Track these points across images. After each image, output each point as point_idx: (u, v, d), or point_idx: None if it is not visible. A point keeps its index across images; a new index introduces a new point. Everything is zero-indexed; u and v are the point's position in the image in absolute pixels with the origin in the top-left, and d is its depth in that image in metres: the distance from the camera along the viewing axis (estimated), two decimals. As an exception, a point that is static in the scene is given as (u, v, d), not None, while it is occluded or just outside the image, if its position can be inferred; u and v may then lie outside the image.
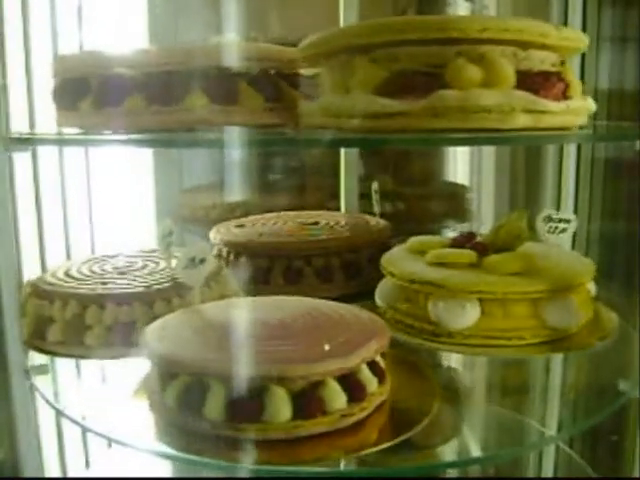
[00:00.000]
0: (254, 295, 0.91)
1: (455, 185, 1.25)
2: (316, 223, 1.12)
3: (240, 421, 0.63)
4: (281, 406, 0.63)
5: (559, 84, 0.58)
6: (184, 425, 0.66)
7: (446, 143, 0.69)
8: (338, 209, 1.21)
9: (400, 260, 0.91)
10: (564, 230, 0.89)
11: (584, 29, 0.92)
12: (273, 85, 0.71)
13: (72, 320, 0.82)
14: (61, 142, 0.84)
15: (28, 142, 0.77)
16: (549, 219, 0.89)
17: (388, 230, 1.09)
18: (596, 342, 0.80)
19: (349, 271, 1.02)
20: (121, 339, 0.81)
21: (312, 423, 0.64)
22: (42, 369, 0.81)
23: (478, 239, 0.92)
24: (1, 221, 0.77)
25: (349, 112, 0.59)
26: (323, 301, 0.83)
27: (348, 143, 0.64)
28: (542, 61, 0.60)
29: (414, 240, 0.96)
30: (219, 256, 1.05)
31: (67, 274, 0.90)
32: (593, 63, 0.84)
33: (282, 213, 1.19)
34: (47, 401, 0.73)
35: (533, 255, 0.86)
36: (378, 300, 0.92)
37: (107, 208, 1.11)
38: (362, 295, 0.99)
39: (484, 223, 1.13)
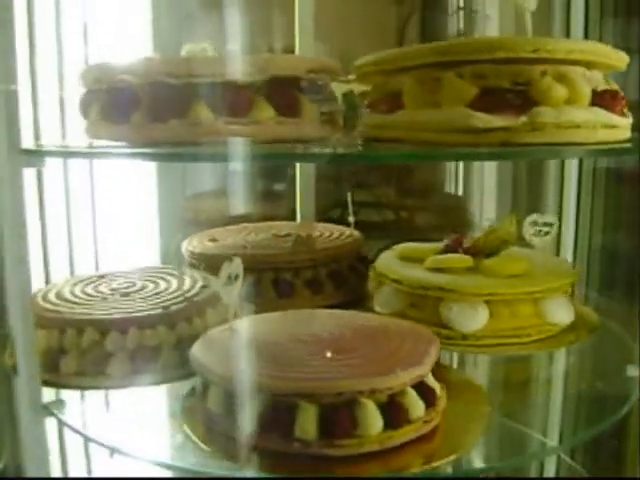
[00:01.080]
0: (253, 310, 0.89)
1: (452, 197, 1.29)
2: (288, 235, 1.12)
3: (336, 437, 0.62)
4: (373, 418, 0.63)
5: (622, 101, 0.64)
6: (269, 447, 0.63)
7: (538, 155, 0.72)
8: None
9: (399, 267, 0.93)
10: (548, 233, 0.96)
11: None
12: (325, 96, 0.71)
13: (90, 349, 0.76)
14: (70, 155, 0.77)
15: (43, 155, 0.71)
16: (534, 223, 0.96)
17: (362, 240, 1.11)
18: (590, 334, 0.88)
19: (336, 281, 1.03)
20: (146, 365, 0.76)
21: (401, 432, 0.64)
22: (59, 404, 0.74)
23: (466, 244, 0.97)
24: (16, 245, 0.70)
25: (442, 126, 0.61)
26: (350, 312, 0.84)
27: (445, 157, 0.65)
28: (598, 80, 0.65)
29: (404, 247, 0.99)
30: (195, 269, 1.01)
31: (62, 298, 0.83)
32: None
33: (248, 224, 1.17)
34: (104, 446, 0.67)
35: (526, 258, 0.92)
36: (378, 308, 0.94)
37: (110, 219, 1.03)
38: (350, 303, 1.01)
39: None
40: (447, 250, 0.96)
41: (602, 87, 0.65)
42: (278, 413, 0.63)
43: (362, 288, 1.06)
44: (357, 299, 1.03)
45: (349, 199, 1.09)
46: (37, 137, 0.85)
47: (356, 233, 1.12)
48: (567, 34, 0.96)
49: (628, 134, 0.66)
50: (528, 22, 0.63)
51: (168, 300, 0.82)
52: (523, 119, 0.59)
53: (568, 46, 0.60)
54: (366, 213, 1.20)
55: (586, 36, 0.96)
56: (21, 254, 0.71)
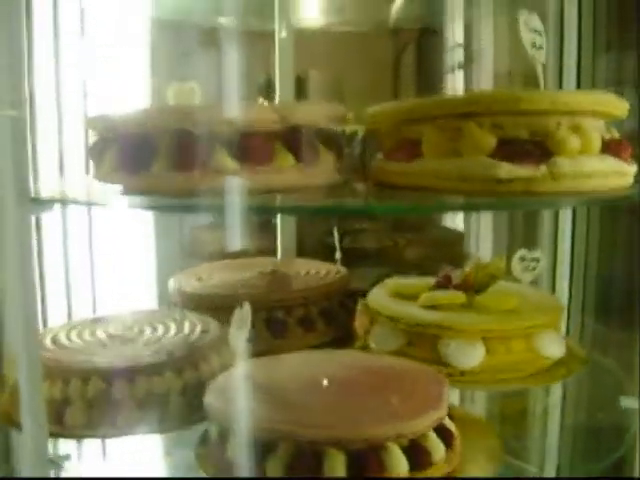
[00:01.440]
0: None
1: (448, 230, 1.31)
2: (274, 272, 1.12)
3: (364, 483, 0.62)
4: (400, 462, 0.63)
5: (629, 149, 0.67)
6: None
7: (556, 205, 0.75)
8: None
9: (393, 304, 0.94)
10: (534, 268, 1.00)
11: (579, 75, 1.03)
12: (339, 143, 0.71)
13: (95, 399, 0.74)
14: (81, 203, 0.75)
15: (55, 203, 0.69)
16: (523, 259, 0.99)
17: (349, 276, 1.12)
18: (581, 366, 0.91)
19: (327, 318, 1.03)
20: (154, 413, 0.75)
21: (424, 475, 0.65)
22: (65, 457, 0.72)
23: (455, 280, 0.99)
24: (23, 294, 0.68)
25: (464, 175, 0.62)
26: (355, 352, 0.84)
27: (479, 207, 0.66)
28: (602, 128, 0.69)
29: (395, 284, 1.00)
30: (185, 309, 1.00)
31: (59, 345, 0.81)
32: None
33: (230, 261, 1.17)
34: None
35: (516, 293, 0.95)
36: (374, 345, 0.94)
37: (109, 264, 1.01)
38: (340, 340, 1.02)
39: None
40: (438, 286, 0.98)
41: (606, 135, 0.68)
42: (304, 460, 0.63)
43: (351, 324, 1.06)
44: (346, 336, 1.04)
45: (335, 234, 1.10)
46: (35, 180, 0.82)
47: (343, 269, 1.13)
48: (560, 69, 0.99)
49: (632, 180, 0.69)
50: (540, 74, 0.66)
51: (170, 345, 0.81)
52: (543, 169, 0.61)
53: (580, 98, 0.63)
54: (362, 241, 1.20)
55: (579, 72, 0.99)
56: (28, 302, 0.69)
